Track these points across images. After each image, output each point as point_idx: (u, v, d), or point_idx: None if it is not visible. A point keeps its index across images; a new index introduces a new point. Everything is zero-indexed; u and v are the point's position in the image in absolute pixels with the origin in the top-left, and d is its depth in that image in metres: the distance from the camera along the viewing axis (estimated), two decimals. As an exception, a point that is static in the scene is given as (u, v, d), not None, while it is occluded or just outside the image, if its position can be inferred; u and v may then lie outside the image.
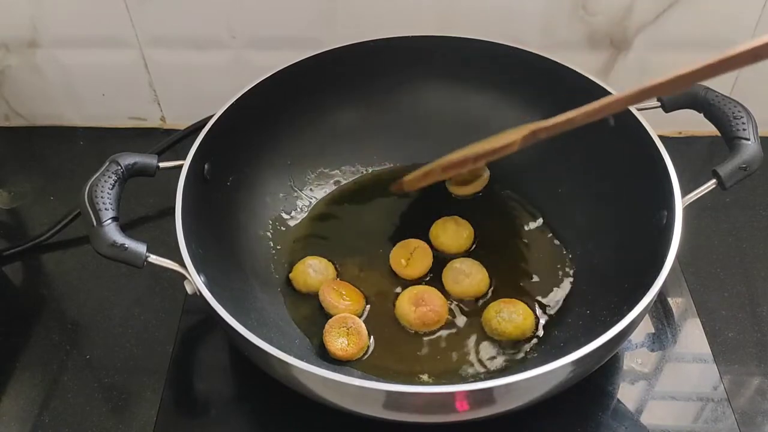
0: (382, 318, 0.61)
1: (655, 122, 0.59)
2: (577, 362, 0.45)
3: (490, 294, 0.62)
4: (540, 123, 0.54)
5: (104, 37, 0.75)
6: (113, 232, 0.50)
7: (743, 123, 0.56)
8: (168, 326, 0.64)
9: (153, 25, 0.74)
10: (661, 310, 0.64)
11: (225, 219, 0.63)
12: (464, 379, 0.57)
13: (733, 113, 0.56)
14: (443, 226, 0.66)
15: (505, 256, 0.65)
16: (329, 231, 0.68)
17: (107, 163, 0.55)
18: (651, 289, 0.48)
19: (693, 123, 0.60)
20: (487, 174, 0.71)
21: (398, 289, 0.63)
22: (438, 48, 0.68)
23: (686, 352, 0.61)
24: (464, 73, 0.70)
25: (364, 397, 0.47)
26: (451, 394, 0.45)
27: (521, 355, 0.58)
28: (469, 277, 0.62)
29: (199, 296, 0.50)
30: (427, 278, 0.64)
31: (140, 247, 0.50)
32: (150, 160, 0.57)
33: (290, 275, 0.64)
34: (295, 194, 0.70)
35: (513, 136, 0.55)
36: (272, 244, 0.67)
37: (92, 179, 0.53)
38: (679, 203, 0.53)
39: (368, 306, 0.62)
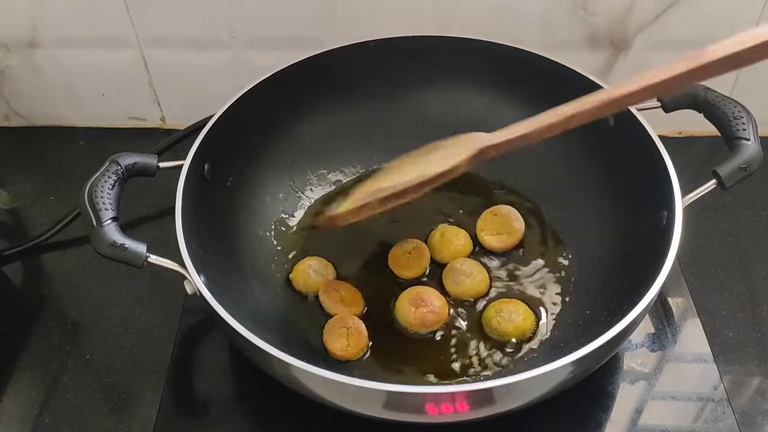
0: (381, 318, 0.61)
1: (655, 122, 0.59)
2: (577, 362, 0.45)
3: (490, 294, 0.62)
4: (488, 140, 0.51)
5: (104, 37, 0.75)
6: (113, 232, 0.51)
7: (743, 123, 0.56)
8: (168, 326, 0.64)
9: (153, 25, 0.74)
10: (661, 310, 0.64)
11: (225, 219, 0.63)
12: (464, 379, 0.57)
13: (733, 113, 0.56)
14: (440, 240, 0.65)
15: (505, 256, 0.65)
16: (329, 231, 0.68)
17: (107, 163, 0.55)
18: (651, 289, 0.48)
19: (693, 123, 0.60)
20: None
21: (398, 290, 0.62)
22: (438, 48, 0.68)
23: (686, 352, 0.61)
24: (464, 73, 0.70)
25: (364, 397, 0.47)
26: (451, 394, 0.45)
27: (521, 355, 0.58)
28: (469, 277, 0.62)
29: (199, 296, 0.50)
30: (425, 278, 0.64)
31: (140, 247, 0.50)
32: (150, 160, 0.57)
33: (290, 275, 0.64)
34: (296, 194, 0.70)
35: (457, 158, 0.51)
36: (272, 245, 0.67)
37: (92, 179, 0.54)
38: (679, 203, 0.53)
39: (368, 306, 0.62)
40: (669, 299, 0.65)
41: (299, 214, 0.69)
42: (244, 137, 0.66)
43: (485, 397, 0.46)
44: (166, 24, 0.74)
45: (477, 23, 0.70)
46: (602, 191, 0.64)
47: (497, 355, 0.58)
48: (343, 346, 0.57)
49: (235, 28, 0.74)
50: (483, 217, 0.67)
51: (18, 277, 0.70)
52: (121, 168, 0.55)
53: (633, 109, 0.59)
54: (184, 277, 0.51)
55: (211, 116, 0.61)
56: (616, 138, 0.61)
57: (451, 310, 0.61)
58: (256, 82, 0.64)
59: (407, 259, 0.64)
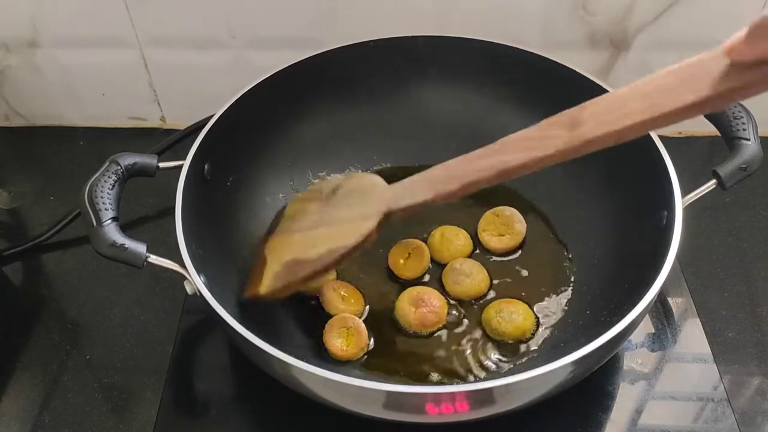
0: (381, 318, 0.61)
1: (655, 122, 0.59)
2: (577, 362, 0.45)
3: (490, 294, 0.62)
4: (394, 202, 0.50)
5: (104, 37, 0.75)
6: (113, 232, 0.51)
7: (743, 123, 0.56)
8: (168, 326, 0.64)
9: (153, 25, 0.74)
10: (661, 310, 0.64)
11: (225, 219, 0.63)
12: (464, 379, 0.57)
13: (733, 113, 0.56)
14: (440, 241, 0.65)
15: (504, 257, 0.65)
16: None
17: (107, 163, 0.55)
18: (651, 289, 0.48)
19: (693, 123, 0.60)
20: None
21: (398, 290, 0.63)
22: (438, 48, 0.68)
23: (686, 352, 0.61)
24: (464, 73, 0.70)
25: (364, 397, 0.47)
26: (451, 394, 0.45)
27: (521, 355, 0.58)
28: (469, 277, 0.62)
29: (199, 296, 0.50)
30: (426, 278, 0.64)
31: (140, 247, 0.50)
32: (150, 160, 0.57)
33: (290, 275, 0.64)
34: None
35: (367, 225, 0.51)
36: (272, 244, 0.67)
37: (92, 179, 0.54)
38: (679, 203, 0.53)
39: (368, 306, 0.62)
40: (669, 299, 0.65)
41: (299, 214, 0.69)
42: (244, 137, 0.66)
43: (485, 397, 0.46)
44: (166, 24, 0.74)
45: (477, 23, 0.70)
46: (602, 191, 0.64)
47: (497, 355, 0.58)
48: (343, 346, 0.57)
49: (235, 28, 0.74)
50: (485, 218, 0.67)
51: (18, 277, 0.70)
52: (121, 168, 0.55)
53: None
54: (184, 277, 0.51)
55: (211, 116, 0.61)
56: (616, 138, 0.60)
57: (452, 311, 0.61)
58: (256, 82, 0.64)
59: (407, 259, 0.64)
